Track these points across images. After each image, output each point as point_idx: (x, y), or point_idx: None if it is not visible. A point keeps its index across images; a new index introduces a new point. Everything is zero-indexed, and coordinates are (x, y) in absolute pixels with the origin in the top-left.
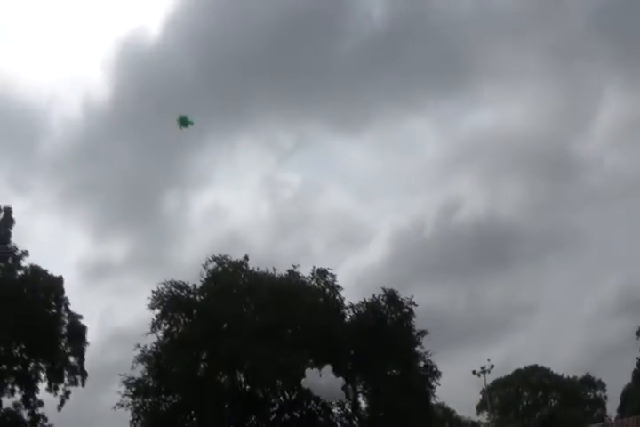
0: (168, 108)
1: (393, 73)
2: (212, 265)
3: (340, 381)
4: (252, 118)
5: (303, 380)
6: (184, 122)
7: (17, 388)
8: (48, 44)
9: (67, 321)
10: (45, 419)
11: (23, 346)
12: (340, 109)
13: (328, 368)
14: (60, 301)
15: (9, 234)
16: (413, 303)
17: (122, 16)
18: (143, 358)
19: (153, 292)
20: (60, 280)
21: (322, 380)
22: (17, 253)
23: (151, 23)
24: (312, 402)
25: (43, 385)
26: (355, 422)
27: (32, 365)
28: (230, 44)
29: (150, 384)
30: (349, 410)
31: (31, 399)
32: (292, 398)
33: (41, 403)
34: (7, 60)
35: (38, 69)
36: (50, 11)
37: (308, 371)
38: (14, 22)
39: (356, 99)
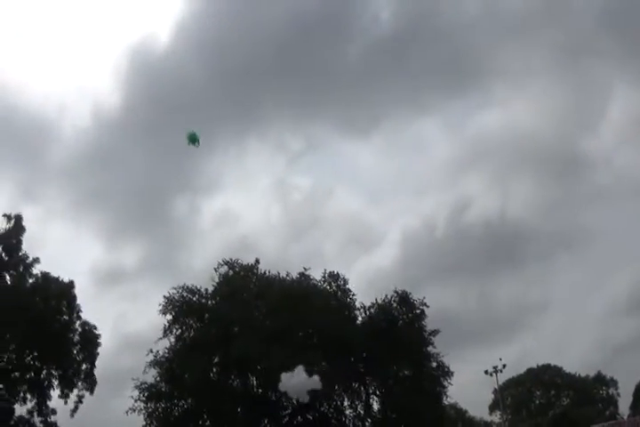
0: (178, 113)
1: (401, 75)
2: (224, 269)
3: (314, 379)
4: (260, 122)
5: (280, 384)
6: (192, 139)
7: (29, 395)
8: (58, 52)
9: (79, 328)
10: None
11: (35, 353)
12: (348, 111)
13: (300, 369)
14: (72, 307)
15: (20, 242)
16: (425, 304)
17: (131, 24)
18: (155, 362)
19: (164, 297)
20: (70, 285)
21: (295, 380)
22: (28, 261)
23: (160, 30)
24: (325, 404)
25: (55, 393)
26: (367, 424)
27: (44, 372)
28: (239, 48)
29: (163, 389)
30: (362, 412)
31: (43, 407)
32: (305, 400)
33: (54, 411)
34: (17, 69)
35: (48, 78)
36: (59, 19)
37: (283, 375)
38: (23, 31)
39: (365, 101)
